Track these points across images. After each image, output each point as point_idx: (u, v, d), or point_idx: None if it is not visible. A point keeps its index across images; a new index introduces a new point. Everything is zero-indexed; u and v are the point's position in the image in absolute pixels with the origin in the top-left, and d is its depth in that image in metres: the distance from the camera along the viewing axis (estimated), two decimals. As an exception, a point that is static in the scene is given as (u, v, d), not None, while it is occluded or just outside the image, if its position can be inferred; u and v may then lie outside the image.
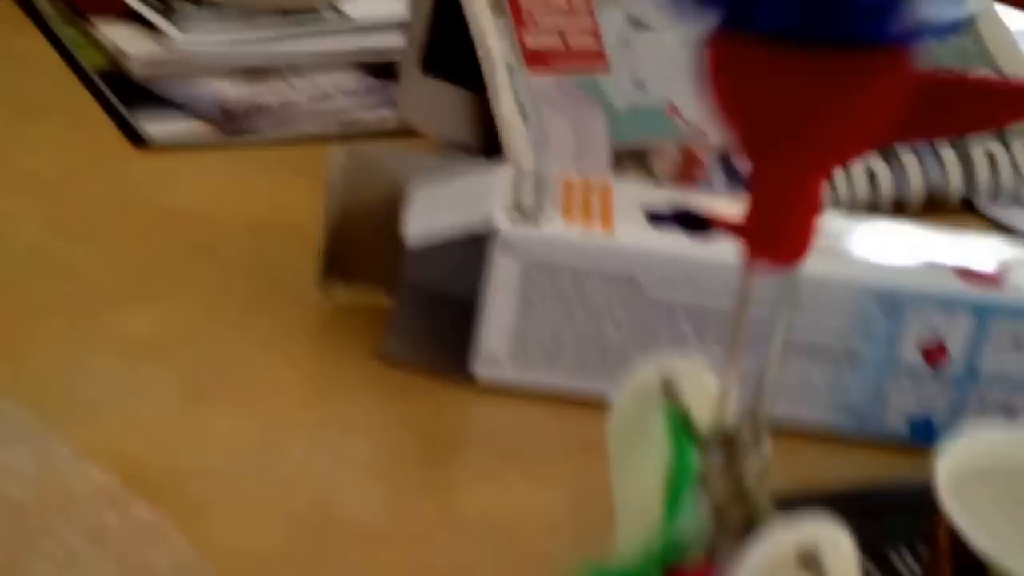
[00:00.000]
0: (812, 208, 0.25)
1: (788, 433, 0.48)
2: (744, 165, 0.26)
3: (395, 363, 0.49)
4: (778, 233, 0.25)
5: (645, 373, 0.28)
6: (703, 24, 0.25)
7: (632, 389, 0.28)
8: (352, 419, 0.46)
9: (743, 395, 0.27)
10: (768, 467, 0.26)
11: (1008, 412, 0.47)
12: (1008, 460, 0.31)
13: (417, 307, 0.50)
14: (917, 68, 0.24)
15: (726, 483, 0.26)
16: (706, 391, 0.27)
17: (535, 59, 0.61)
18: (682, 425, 0.27)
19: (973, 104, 0.24)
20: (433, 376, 0.49)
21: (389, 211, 0.50)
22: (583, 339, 0.47)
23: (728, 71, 0.24)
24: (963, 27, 0.35)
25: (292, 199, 0.59)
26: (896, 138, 0.25)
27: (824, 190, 0.25)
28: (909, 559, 0.37)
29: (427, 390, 0.48)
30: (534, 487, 0.44)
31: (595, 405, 0.48)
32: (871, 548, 0.37)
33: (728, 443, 0.26)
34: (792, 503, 0.40)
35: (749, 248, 0.25)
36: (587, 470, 0.45)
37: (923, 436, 0.47)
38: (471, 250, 0.48)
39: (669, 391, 0.27)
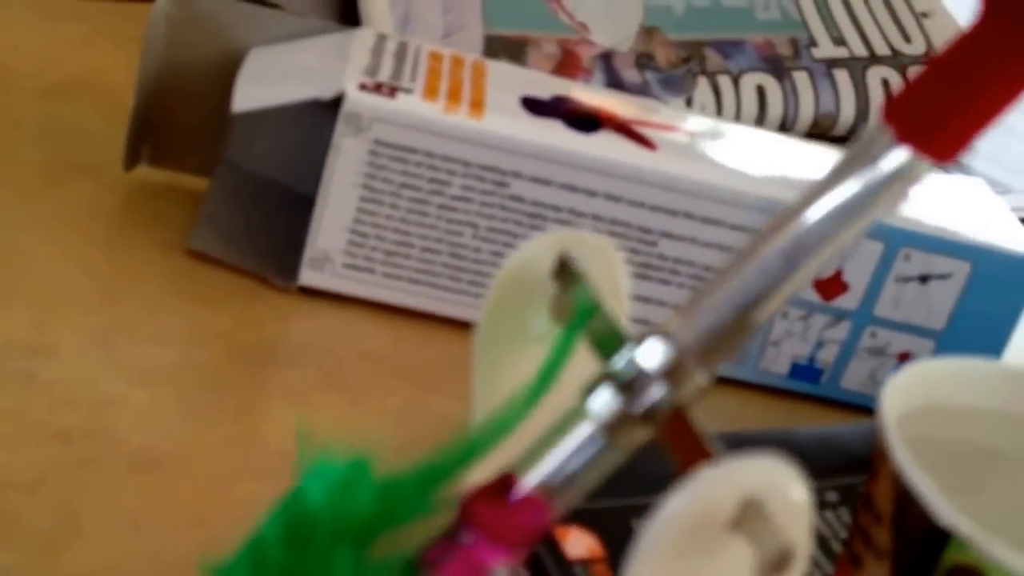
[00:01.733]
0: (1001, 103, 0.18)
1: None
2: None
3: (204, 259, 0.41)
4: (946, 116, 0.18)
5: (533, 249, 0.21)
6: None
7: (515, 271, 0.21)
8: (145, 324, 0.38)
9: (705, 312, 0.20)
10: (700, 394, 0.20)
11: (901, 359, 0.42)
12: (953, 397, 0.25)
13: (237, 193, 0.43)
14: None
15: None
16: (614, 282, 0.21)
17: (402, -76, 0.53)
18: (589, 307, 0.20)
19: None
20: (249, 277, 0.41)
21: (219, 74, 0.42)
22: (432, 243, 0.40)
23: None
24: None
25: (110, 61, 0.50)
26: None
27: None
28: (837, 525, 0.31)
29: (240, 294, 0.40)
30: (356, 417, 0.37)
31: (439, 325, 0.42)
32: None
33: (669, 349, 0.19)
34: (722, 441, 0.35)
35: (892, 116, 0.19)
36: (421, 404, 0.38)
37: (805, 379, 0.42)
38: (309, 124, 0.40)
39: (566, 271, 0.20)
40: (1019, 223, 0.43)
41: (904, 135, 0.19)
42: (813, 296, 0.41)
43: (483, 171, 0.39)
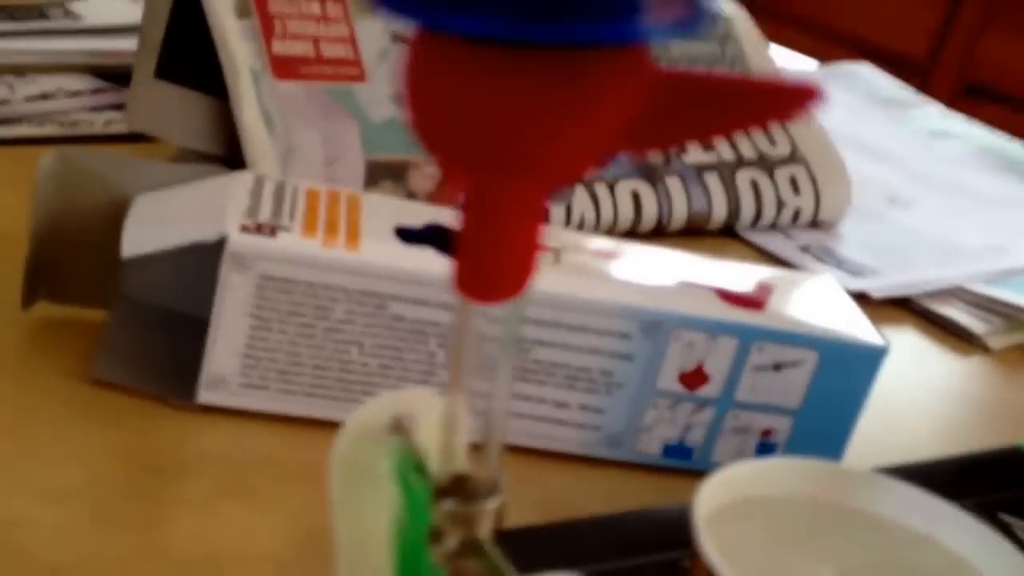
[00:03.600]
0: (528, 238, 0.21)
1: (541, 458, 0.45)
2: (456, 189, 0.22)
3: (108, 386, 0.43)
4: (489, 269, 0.21)
5: (374, 407, 0.24)
6: (406, 25, 0.20)
7: (359, 425, 0.24)
8: (52, 447, 0.40)
9: (477, 432, 0.23)
10: (505, 512, 0.23)
11: (764, 435, 0.45)
12: (763, 490, 0.28)
13: (134, 323, 0.45)
14: (651, 69, 0.20)
15: (458, 532, 0.22)
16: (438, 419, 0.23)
17: (283, 65, 0.56)
18: (413, 468, 0.23)
19: (719, 104, 0.21)
20: (150, 400, 0.43)
21: (107, 222, 0.44)
22: (322, 361, 0.43)
23: (429, 77, 0.20)
24: (707, 27, 0.32)
25: (1, 205, 0.53)
26: (634, 147, 0.21)
27: (544, 216, 0.22)
28: None
29: (141, 415, 0.43)
30: (258, 519, 0.39)
31: (331, 430, 0.44)
32: None
33: (460, 487, 0.22)
34: (539, 536, 0.37)
35: (458, 283, 0.21)
36: (318, 502, 0.40)
37: (678, 458, 0.45)
38: (198, 263, 0.43)
39: (399, 429, 0.23)
40: (862, 314, 0.47)
41: (472, 296, 0.22)
42: (679, 388, 0.44)
43: (363, 296, 0.42)
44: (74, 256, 0.45)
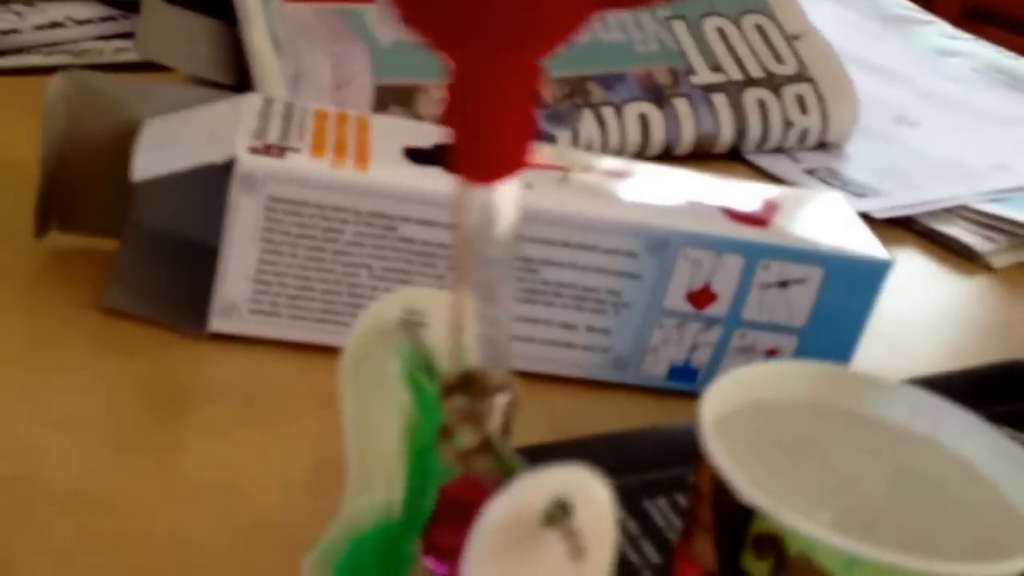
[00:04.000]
0: (521, 111, 0.21)
1: (549, 381, 0.46)
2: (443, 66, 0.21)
3: (121, 316, 0.44)
4: (485, 145, 0.21)
5: (384, 307, 0.25)
6: None
7: (369, 325, 0.24)
8: (66, 377, 0.41)
9: (487, 335, 0.23)
10: (515, 410, 0.23)
11: (769, 355, 0.46)
12: (770, 394, 0.29)
13: (145, 252, 0.45)
14: None
15: (469, 429, 0.23)
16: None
17: (289, -13, 0.56)
18: (423, 367, 0.23)
19: None
20: (162, 328, 0.44)
21: (118, 146, 0.45)
22: (332, 285, 0.43)
23: None
24: None
25: (11, 135, 0.53)
26: (599, 7, 0.21)
27: (536, 88, 0.22)
28: (668, 512, 0.35)
29: (154, 344, 0.43)
30: (271, 446, 0.40)
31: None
32: (628, 500, 0.35)
33: (470, 384, 0.23)
34: (546, 453, 0.38)
35: (456, 166, 0.22)
36: (330, 428, 0.41)
37: (683, 380, 0.46)
38: (208, 187, 0.43)
39: (408, 328, 0.24)
40: (868, 231, 0.47)
41: (473, 178, 0.22)
42: (687, 307, 0.45)
43: (372, 218, 0.42)
44: (85, 182, 0.45)
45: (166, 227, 0.46)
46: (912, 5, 0.99)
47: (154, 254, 0.46)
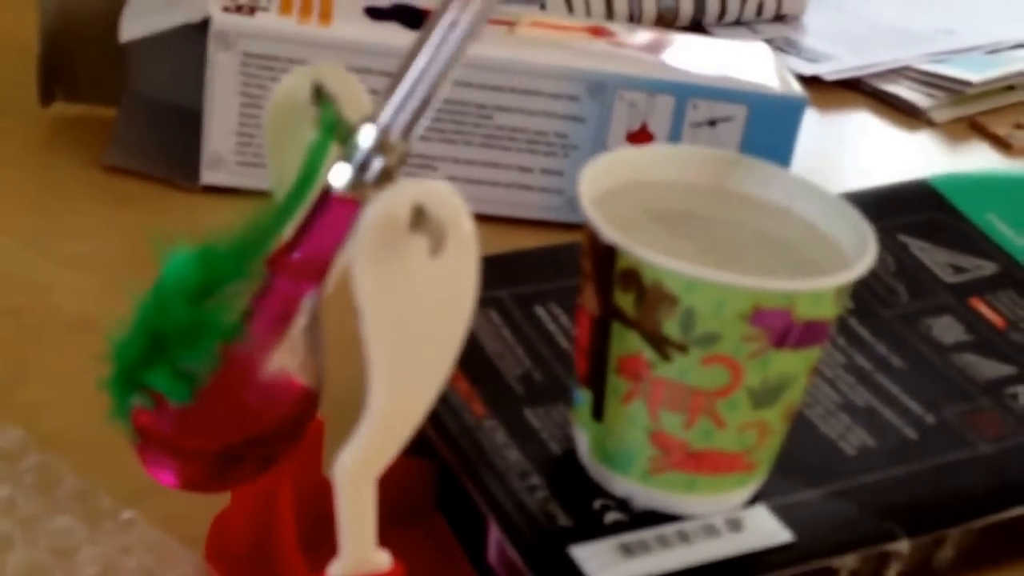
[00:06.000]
0: None
1: (511, 225, 0.51)
2: None
3: (120, 172, 0.49)
4: None
5: (297, 79, 0.29)
6: None
7: (284, 95, 0.29)
8: (74, 226, 0.46)
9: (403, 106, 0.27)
10: (404, 157, 0.27)
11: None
12: (647, 174, 0.34)
13: (142, 116, 0.51)
14: None
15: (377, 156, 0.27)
16: (355, 97, 0.29)
17: None
18: (332, 120, 0.27)
19: None
20: (159, 183, 0.49)
21: (110, 15, 0.50)
22: (306, 133, 0.48)
23: None
24: None
25: (13, 17, 0.58)
26: None
27: None
28: (558, 312, 0.40)
29: (152, 196, 0.49)
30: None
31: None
32: (522, 303, 0.40)
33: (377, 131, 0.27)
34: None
35: None
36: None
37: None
38: (190, 48, 0.48)
39: (321, 95, 0.28)
40: (789, 74, 0.51)
41: None
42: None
43: (338, 70, 0.47)
44: (82, 52, 0.50)
45: (160, 94, 0.51)
46: None
47: (150, 118, 0.51)
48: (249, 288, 0.27)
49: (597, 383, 0.32)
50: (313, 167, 0.27)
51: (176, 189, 0.49)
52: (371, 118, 0.26)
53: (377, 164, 0.26)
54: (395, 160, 0.26)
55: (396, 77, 0.27)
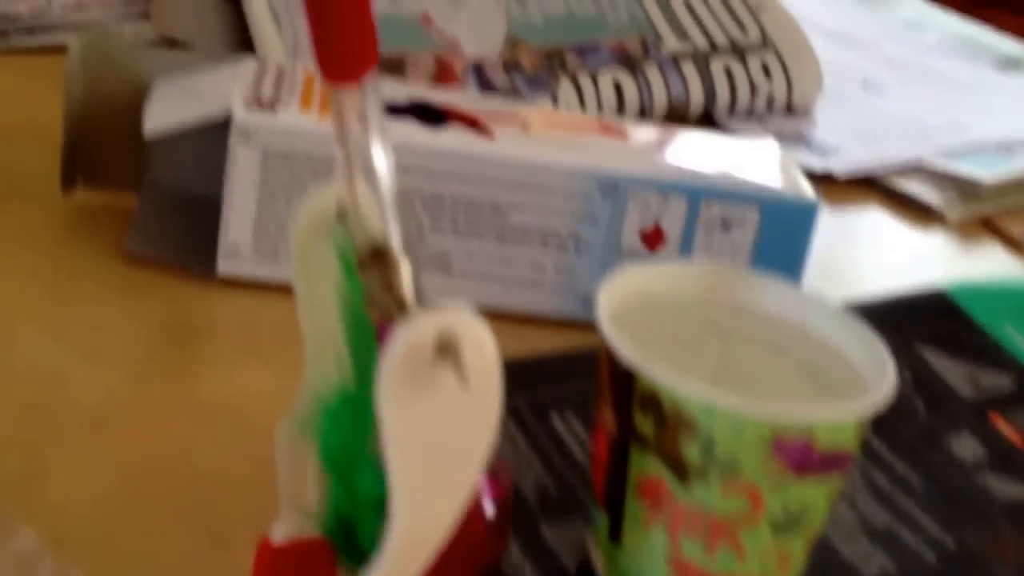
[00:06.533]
0: (364, 21, 0.26)
1: (523, 321, 0.51)
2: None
3: (139, 261, 0.49)
4: (336, 50, 0.26)
5: (319, 199, 0.29)
6: None
7: (307, 214, 0.29)
8: (93, 315, 0.47)
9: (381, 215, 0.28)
10: (420, 276, 0.28)
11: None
12: (661, 290, 0.34)
13: (160, 203, 0.51)
14: None
15: (386, 296, 0.28)
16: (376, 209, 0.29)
17: (286, -34, 0.62)
18: (351, 247, 0.28)
19: None
20: (177, 272, 0.49)
21: (132, 107, 0.50)
22: (323, 227, 0.49)
23: None
24: None
25: (39, 104, 0.58)
26: None
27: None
28: (574, 421, 0.40)
29: (170, 286, 0.49)
30: (271, 374, 0.45)
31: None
32: (538, 411, 0.40)
33: (379, 257, 0.28)
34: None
35: (320, 70, 0.27)
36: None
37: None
38: (211, 142, 0.48)
39: (341, 215, 0.29)
40: (803, 176, 0.52)
41: (334, 78, 0.27)
42: (640, 246, 0.50)
43: (356, 166, 0.48)
44: (104, 141, 0.51)
45: (180, 183, 0.52)
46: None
47: (170, 207, 0.51)
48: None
49: (615, 505, 0.32)
50: (355, 315, 0.27)
51: (193, 278, 0.49)
52: (373, 248, 0.27)
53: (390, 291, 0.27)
54: (402, 278, 0.27)
55: (350, 196, 0.27)
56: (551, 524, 0.35)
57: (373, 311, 0.27)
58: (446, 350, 0.25)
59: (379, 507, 0.27)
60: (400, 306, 0.27)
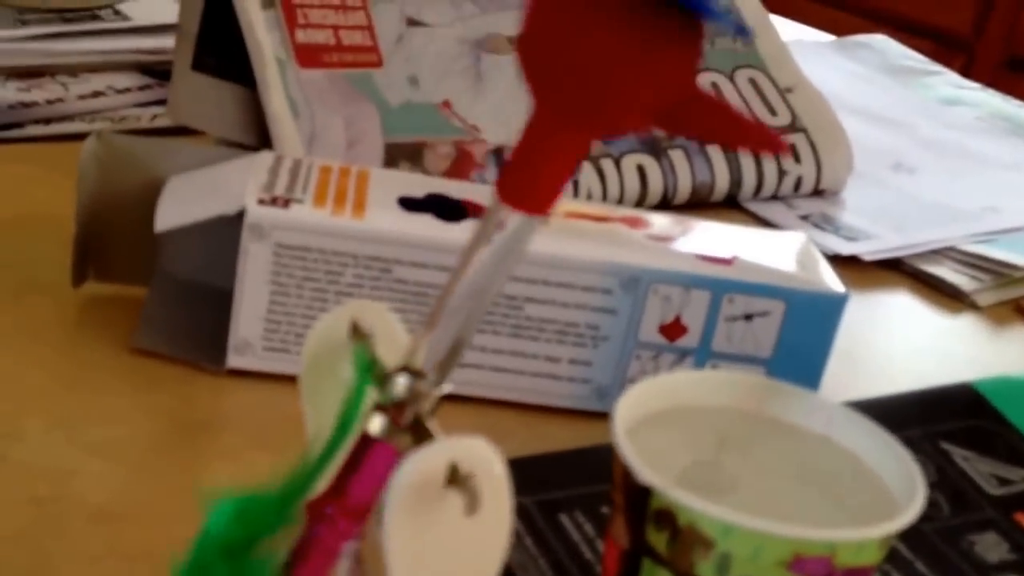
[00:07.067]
0: (569, 166, 0.25)
1: (536, 412, 0.50)
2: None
3: (149, 354, 0.49)
4: (530, 182, 0.25)
5: (334, 318, 0.29)
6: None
7: (321, 334, 0.29)
8: (100, 409, 0.46)
9: (438, 343, 0.28)
10: (439, 402, 0.27)
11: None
12: (681, 399, 0.33)
13: (171, 297, 0.50)
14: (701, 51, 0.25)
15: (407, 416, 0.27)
16: (392, 333, 0.28)
17: (306, 54, 0.62)
18: (368, 363, 0.27)
19: (710, 119, 0.25)
20: (186, 366, 0.49)
21: (145, 201, 0.50)
22: (336, 322, 0.48)
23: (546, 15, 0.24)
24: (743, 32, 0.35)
25: (53, 195, 0.59)
26: (659, 125, 0.25)
27: (585, 154, 0.26)
28: (583, 522, 0.38)
29: (179, 380, 0.48)
30: (281, 468, 0.44)
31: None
32: (546, 510, 0.39)
33: (409, 372, 0.27)
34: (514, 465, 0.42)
35: (498, 190, 0.26)
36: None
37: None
38: (222, 236, 0.48)
39: (357, 332, 0.28)
40: (829, 268, 0.51)
41: (508, 201, 0.26)
42: (660, 339, 0.49)
43: (369, 261, 0.47)
44: (117, 235, 0.51)
45: (190, 275, 0.51)
46: (920, 57, 1.02)
47: (179, 299, 0.51)
48: (289, 537, 0.27)
49: (623, 624, 0.31)
50: (351, 413, 0.26)
51: (203, 371, 0.49)
52: (405, 365, 0.26)
53: (410, 413, 0.26)
54: (429, 406, 0.26)
55: (430, 319, 0.26)
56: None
57: (378, 424, 0.26)
58: (458, 480, 0.24)
59: None
60: (416, 430, 0.26)
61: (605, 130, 0.25)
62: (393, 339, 0.28)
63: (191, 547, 0.28)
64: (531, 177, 0.25)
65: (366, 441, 0.26)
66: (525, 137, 0.25)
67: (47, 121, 0.64)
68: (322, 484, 0.28)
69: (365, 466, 0.27)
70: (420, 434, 0.26)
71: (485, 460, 0.24)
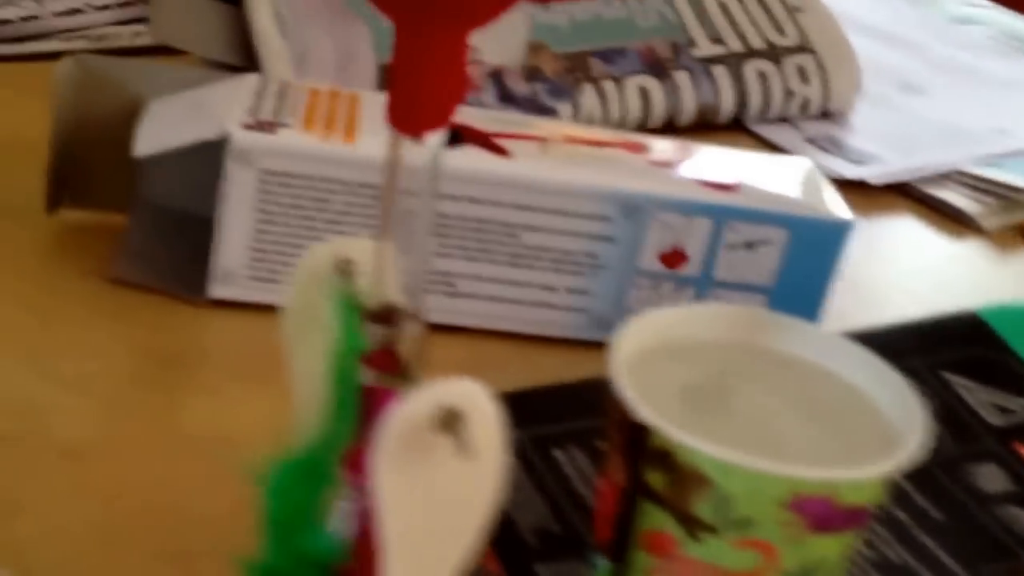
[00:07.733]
0: (451, 74, 0.24)
1: (532, 342, 0.48)
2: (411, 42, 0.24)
3: (127, 285, 0.47)
4: (414, 101, 0.24)
5: (319, 254, 0.28)
6: None
7: (306, 271, 0.28)
8: (75, 342, 0.44)
9: (408, 273, 0.27)
10: (426, 340, 0.26)
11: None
12: (681, 334, 0.32)
13: (150, 225, 0.49)
14: None
15: (389, 359, 0.26)
16: (380, 268, 0.27)
17: (294, -28, 0.59)
18: (352, 304, 0.26)
19: None
20: (165, 297, 0.47)
21: (124, 126, 0.48)
22: (324, 250, 0.46)
23: None
24: None
25: (27, 118, 0.56)
26: None
27: (467, 58, 0.25)
28: (578, 456, 0.37)
29: (158, 311, 0.47)
30: (264, 402, 0.43)
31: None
32: (540, 445, 0.38)
33: (387, 317, 0.26)
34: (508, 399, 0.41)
35: (390, 118, 0.25)
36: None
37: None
38: (206, 162, 0.46)
39: (342, 270, 0.27)
40: (835, 194, 0.49)
41: (396, 125, 0.25)
42: (659, 267, 0.47)
43: (359, 188, 0.45)
44: (94, 160, 0.49)
45: (170, 202, 0.49)
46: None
47: (159, 227, 0.49)
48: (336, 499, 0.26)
49: (620, 556, 0.30)
50: (346, 371, 0.25)
51: (183, 302, 0.47)
52: (386, 306, 0.25)
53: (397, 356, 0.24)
54: (415, 345, 0.24)
55: (379, 253, 0.25)
56: (549, 563, 0.33)
57: (368, 373, 0.25)
58: (449, 424, 0.23)
59: (320, 571, 0.26)
60: (404, 371, 0.25)
61: (467, 19, 0.24)
62: (384, 272, 0.27)
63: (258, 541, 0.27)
64: (411, 96, 0.24)
65: (368, 392, 0.25)
66: (395, 55, 0.24)
67: (20, 40, 0.62)
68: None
69: (378, 412, 0.25)
70: (408, 377, 0.25)
71: (476, 402, 0.23)
